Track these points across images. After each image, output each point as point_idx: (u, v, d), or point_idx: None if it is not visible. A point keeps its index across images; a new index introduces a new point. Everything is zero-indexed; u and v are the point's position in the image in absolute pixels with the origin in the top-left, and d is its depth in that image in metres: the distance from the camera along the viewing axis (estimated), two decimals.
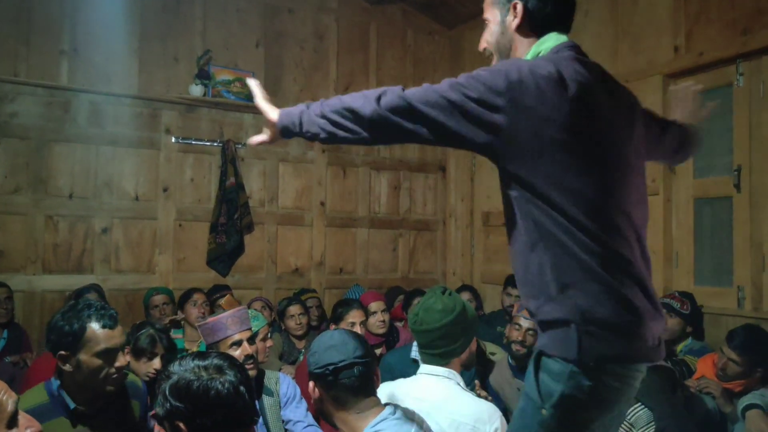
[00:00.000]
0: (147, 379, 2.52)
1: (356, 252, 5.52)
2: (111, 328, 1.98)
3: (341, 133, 1.51)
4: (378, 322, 3.83)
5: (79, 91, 4.48)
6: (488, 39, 1.71)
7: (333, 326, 3.44)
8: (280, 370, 3.52)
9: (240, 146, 4.98)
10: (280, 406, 2.61)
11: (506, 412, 2.56)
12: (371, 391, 1.78)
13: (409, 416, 1.79)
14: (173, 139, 4.79)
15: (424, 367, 2.19)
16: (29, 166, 4.34)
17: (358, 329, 3.35)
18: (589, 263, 1.38)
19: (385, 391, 2.08)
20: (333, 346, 1.76)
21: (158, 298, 4.16)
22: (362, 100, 1.48)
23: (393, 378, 2.34)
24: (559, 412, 1.39)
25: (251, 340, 2.44)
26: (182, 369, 1.57)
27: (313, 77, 5.38)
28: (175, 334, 3.67)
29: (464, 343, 2.20)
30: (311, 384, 1.79)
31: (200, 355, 1.65)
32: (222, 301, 4.02)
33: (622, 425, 2.09)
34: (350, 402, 1.73)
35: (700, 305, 3.50)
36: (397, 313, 4.55)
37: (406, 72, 5.75)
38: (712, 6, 3.63)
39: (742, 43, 3.47)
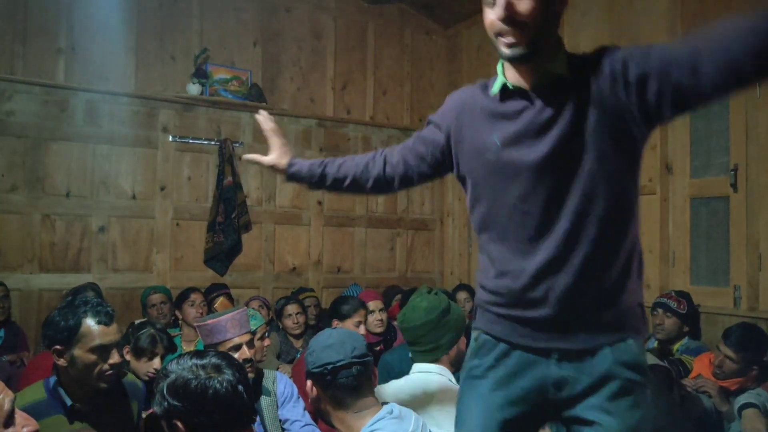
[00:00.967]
0: (147, 378, 2.52)
1: (354, 251, 5.52)
2: (106, 324, 1.98)
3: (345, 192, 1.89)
4: (376, 321, 3.84)
5: (76, 89, 4.47)
6: (524, 12, 1.38)
7: (336, 322, 3.43)
8: (277, 369, 3.52)
9: (237, 145, 4.98)
10: (277, 406, 2.60)
11: None
12: (369, 391, 1.79)
13: (406, 415, 1.80)
14: (170, 138, 4.78)
15: (416, 366, 2.25)
16: (26, 165, 4.33)
17: (362, 329, 3.38)
18: None
19: (379, 391, 2.10)
20: (331, 346, 1.77)
21: (156, 297, 4.15)
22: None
23: (392, 376, 2.36)
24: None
25: (250, 344, 2.43)
26: (180, 368, 1.56)
27: (311, 76, 5.38)
28: (173, 332, 3.67)
29: (450, 341, 2.26)
30: (309, 383, 1.79)
31: (198, 353, 1.65)
32: (216, 305, 4.03)
33: None
34: (348, 401, 1.74)
35: (697, 305, 3.51)
36: (394, 313, 4.55)
37: (403, 71, 5.75)
38: (709, 7, 3.64)
39: None
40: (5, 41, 4.28)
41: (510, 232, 1.49)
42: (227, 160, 4.87)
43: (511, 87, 1.47)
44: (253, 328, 2.59)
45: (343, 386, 1.73)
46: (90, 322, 1.96)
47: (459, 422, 1.58)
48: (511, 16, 1.35)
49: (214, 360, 1.59)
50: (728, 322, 3.22)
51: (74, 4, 4.46)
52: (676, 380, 2.78)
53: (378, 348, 3.77)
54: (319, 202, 5.38)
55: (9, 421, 1.33)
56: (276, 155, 1.89)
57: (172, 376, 1.54)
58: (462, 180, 1.62)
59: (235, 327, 2.36)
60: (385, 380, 2.40)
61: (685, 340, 3.42)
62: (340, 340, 1.78)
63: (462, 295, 4.65)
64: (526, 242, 1.46)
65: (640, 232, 1.52)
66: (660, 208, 3.90)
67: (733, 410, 2.71)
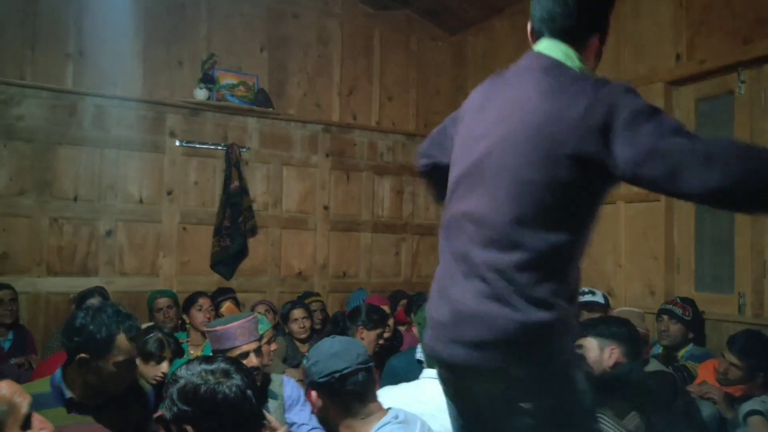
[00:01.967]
0: (154, 382, 2.53)
1: (359, 256, 5.54)
2: (135, 340, 2.00)
3: None
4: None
5: (85, 94, 4.51)
6: None
7: (362, 329, 3.36)
8: (283, 373, 3.54)
9: (244, 150, 5.02)
10: (284, 409, 2.62)
11: None
12: (374, 396, 1.81)
13: (412, 419, 1.81)
14: (177, 143, 4.82)
15: (426, 371, 2.23)
16: (34, 169, 4.37)
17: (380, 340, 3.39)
18: None
19: (388, 395, 2.10)
20: (336, 354, 1.78)
21: (162, 301, 4.16)
22: None
23: (398, 381, 2.36)
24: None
25: (258, 352, 2.42)
26: (189, 373, 1.59)
27: (317, 82, 5.41)
28: (180, 339, 3.68)
29: None
30: (313, 394, 1.80)
31: (207, 359, 1.67)
32: (222, 309, 4.04)
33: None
34: (356, 408, 1.75)
35: (702, 311, 3.51)
36: (400, 317, 4.57)
37: (409, 77, 5.77)
38: (714, 15, 3.65)
39: (743, 52, 3.48)
40: (15, 47, 4.32)
41: None
42: (234, 164, 4.90)
43: None
44: (260, 332, 2.60)
45: (351, 393, 1.75)
46: (122, 337, 1.96)
47: None
48: None
49: (223, 365, 1.61)
50: (733, 329, 3.23)
51: (83, 10, 4.51)
52: (681, 387, 2.79)
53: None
54: (325, 207, 5.40)
55: (26, 423, 1.35)
56: None
57: (182, 382, 1.57)
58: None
59: (244, 335, 2.35)
60: (392, 385, 2.40)
61: (690, 346, 3.42)
62: (344, 348, 1.80)
63: None
64: None
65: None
66: (665, 216, 3.90)
67: (738, 417, 2.71)
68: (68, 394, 1.98)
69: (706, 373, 3.07)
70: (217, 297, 4.35)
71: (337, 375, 1.74)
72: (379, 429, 1.74)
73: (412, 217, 5.80)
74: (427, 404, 2.07)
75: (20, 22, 4.33)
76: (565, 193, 1.36)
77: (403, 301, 4.89)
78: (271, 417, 2.17)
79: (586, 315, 3.28)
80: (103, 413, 2.03)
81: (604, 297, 3.64)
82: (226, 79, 4.95)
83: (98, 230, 4.57)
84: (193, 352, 3.71)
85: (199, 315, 3.90)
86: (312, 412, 2.64)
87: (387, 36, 5.71)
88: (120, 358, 1.95)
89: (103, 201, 4.59)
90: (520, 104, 1.44)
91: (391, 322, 3.87)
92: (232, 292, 4.57)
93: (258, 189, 5.13)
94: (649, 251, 3.95)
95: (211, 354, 2.38)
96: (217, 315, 3.97)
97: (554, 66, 1.47)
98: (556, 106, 1.38)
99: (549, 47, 1.52)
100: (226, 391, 1.53)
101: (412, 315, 4.17)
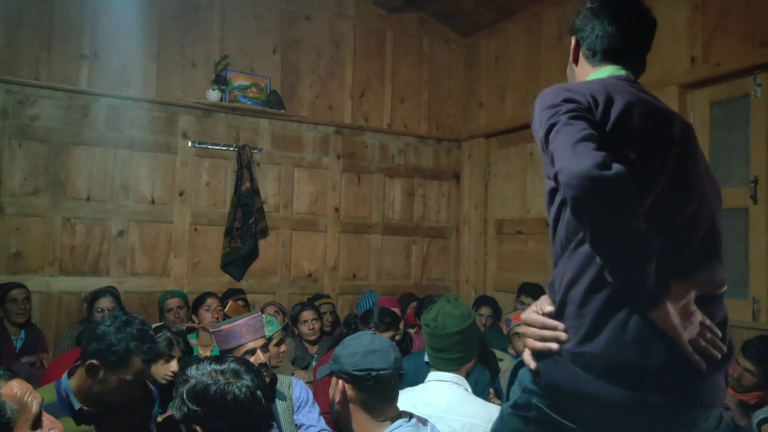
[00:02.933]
0: (164, 381, 2.53)
1: (369, 258, 5.53)
2: (151, 363, 2.01)
3: None
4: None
5: (98, 95, 4.54)
6: (567, 74, 1.73)
7: (374, 330, 3.36)
8: (292, 374, 3.53)
9: (256, 151, 5.03)
10: (293, 411, 2.62)
11: None
12: (396, 400, 1.81)
13: (423, 423, 1.80)
14: (190, 144, 4.84)
15: (432, 374, 2.24)
16: (48, 169, 4.40)
17: None
18: None
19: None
20: (375, 352, 1.77)
21: (173, 302, 4.18)
22: None
23: (407, 383, 2.36)
24: (514, 416, 1.42)
25: (265, 348, 2.44)
26: (200, 373, 1.59)
27: (329, 84, 5.41)
28: (190, 339, 3.69)
29: (476, 349, 2.27)
30: (341, 383, 1.79)
31: (217, 359, 1.67)
32: (226, 309, 4.04)
33: None
34: (378, 408, 1.75)
35: None
36: (410, 320, 4.56)
37: (421, 80, 5.76)
38: (730, 18, 3.62)
39: (760, 55, 3.45)
40: (31, 48, 4.36)
41: None
42: (245, 166, 4.91)
43: None
44: (269, 334, 2.60)
45: (379, 394, 1.76)
46: (137, 359, 1.96)
47: None
48: None
49: (233, 365, 1.61)
50: (747, 335, 3.19)
51: (97, 12, 4.54)
52: None
53: None
54: (336, 209, 5.40)
55: (36, 423, 1.36)
56: None
57: (192, 381, 1.57)
58: None
59: (249, 332, 2.37)
60: (401, 387, 2.40)
61: None
62: (384, 348, 1.79)
63: (485, 311, 4.60)
64: None
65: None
66: None
67: (752, 424, 2.68)
68: (77, 405, 1.99)
69: None
70: (228, 298, 4.36)
71: (373, 373, 1.74)
72: (391, 431, 1.73)
73: (423, 220, 5.79)
74: (435, 407, 2.07)
75: (36, 24, 4.37)
76: None
77: (413, 304, 4.88)
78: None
79: None
80: (108, 417, 2.03)
81: None
82: (239, 81, 4.97)
83: (110, 230, 4.60)
84: (202, 352, 3.73)
85: (207, 315, 3.91)
86: (322, 409, 2.65)
87: (399, 38, 5.71)
88: (128, 377, 1.95)
89: (116, 201, 4.61)
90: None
91: (401, 325, 3.86)
92: (243, 293, 4.58)
93: (269, 190, 5.14)
94: None
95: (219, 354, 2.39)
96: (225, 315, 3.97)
97: None
98: None
99: None
100: (236, 391, 1.53)
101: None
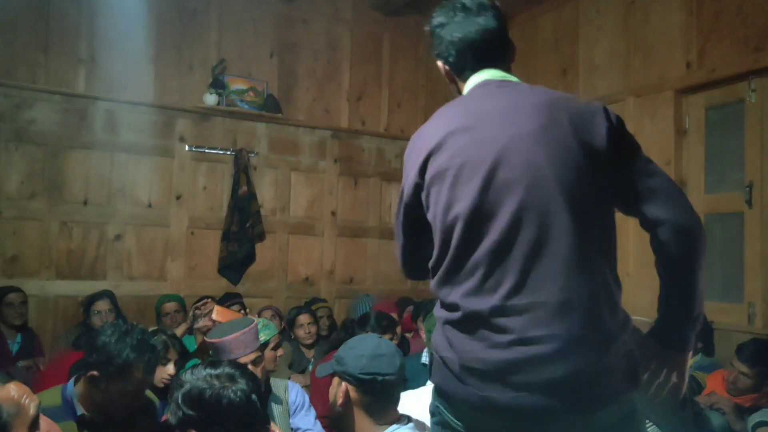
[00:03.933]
0: (162, 385, 2.54)
1: (366, 262, 5.53)
2: (150, 373, 2.01)
3: None
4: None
5: (96, 98, 4.55)
6: None
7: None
8: (289, 378, 3.54)
9: (253, 155, 5.03)
10: (288, 414, 2.62)
11: None
12: (398, 404, 1.82)
13: (421, 427, 1.81)
14: (187, 147, 4.84)
15: None
16: (45, 172, 4.40)
17: None
18: None
19: None
20: (382, 356, 1.78)
21: (170, 306, 4.19)
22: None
23: (405, 386, 2.36)
24: (432, 424, 1.51)
25: (257, 361, 2.36)
26: (194, 378, 1.59)
27: (326, 87, 5.42)
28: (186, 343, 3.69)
29: None
30: (344, 384, 1.79)
31: (212, 363, 1.68)
32: (214, 315, 3.94)
33: None
34: (380, 411, 1.77)
35: (711, 321, 3.48)
36: (406, 324, 4.55)
37: (418, 84, 5.78)
38: (725, 23, 3.64)
39: (754, 60, 3.47)
40: (28, 51, 4.36)
41: None
42: (242, 169, 4.91)
43: None
44: (266, 338, 2.59)
45: (383, 398, 1.78)
46: (137, 370, 1.96)
47: None
48: None
49: (228, 370, 1.62)
50: (742, 339, 3.20)
51: (95, 16, 4.54)
52: (689, 397, 2.77)
53: None
54: (333, 213, 5.41)
55: (34, 425, 1.36)
56: None
57: (187, 386, 1.57)
58: None
59: (239, 348, 2.29)
60: None
61: (698, 356, 3.39)
62: (390, 353, 1.80)
63: None
64: None
65: None
66: None
67: (747, 428, 2.69)
68: (80, 410, 1.99)
69: (714, 384, 3.04)
70: (225, 302, 4.35)
71: (380, 378, 1.74)
72: None
73: None
74: None
75: (33, 27, 4.37)
76: None
77: (410, 308, 4.88)
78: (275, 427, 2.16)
79: None
80: (109, 427, 2.03)
81: None
82: (236, 85, 4.98)
83: (107, 234, 4.59)
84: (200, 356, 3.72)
85: (205, 320, 3.90)
86: (319, 412, 2.65)
87: (396, 42, 5.72)
88: (129, 387, 1.95)
89: (113, 205, 4.62)
90: None
91: (399, 329, 3.86)
92: (240, 297, 4.58)
93: (266, 194, 5.14)
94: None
95: None
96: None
97: None
98: None
99: None
100: (231, 395, 1.54)
101: (420, 321, 4.16)
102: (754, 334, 3.29)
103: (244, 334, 2.32)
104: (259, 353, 2.40)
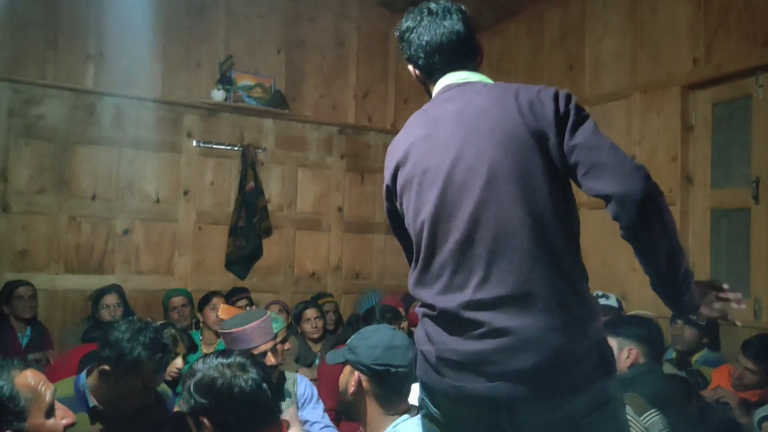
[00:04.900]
0: (170, 378, 2.56)
1: (373, 257, 5.56)
2: (161, 371, 2.01)
3: None
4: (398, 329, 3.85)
5: (104, 94, 4.57)
6: None
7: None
8: (296, 372, 3.55)
9: (260, 150, 5.06)
10: (297, 407, 2.64)
11: None
12: (408, 395, 1.85)
13: None
14: (194, 143, 4.87)
15: None
16: (54, 168, 4.43)
17: None
18: None
19: None
20: (396, 348, 1.79)
21: (177, 300, 4.21)
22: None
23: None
24: (421, 417, 1.59)
25: (274, 350, 2.42)
26: (206, 366, 1.61)
27: (333, 84, 5.44)
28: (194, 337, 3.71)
29: None
30: (357, 374, 1.80)
31: (224, 353, 1.70)
32: (219, 312, 3.98)
33: (637, 429, 2.10)
34: (391, 402, 1.79)
35: None
36: (413, 318, 4.57)
37: None
38: (732, 18, 3.63)
39: (762, 55, 3.46)
40: (37, 47, 4.39)
41: None
42: (250, 165, 4.94)
43: None
44: (274, 331, 2.62)
45: (395, 389, 1.79)
46: (149, 365, 1.96)
47: None
48: None
49: (239, 359, 1.64)
50: (748, 335, 3.20)
51: (104, 12, 4.57)
52: (695, 391, 2.78)
53: None
54: (339, 209, 5.43)
55: (50, 412, 1.38)
56: None
57: (199, 375, 1.59)
58: None
59: (260, 335, 2.35)
60: None
61: (704, 351, 3.40)
62: (404, 345, 1.82)
63: None
64: None
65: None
66: (680, 220, 3.88)
67: (753, 422, 2.69)
68: (92, 402, 2.00)
69: (720, 379, 3.05)
70: (232, 297, 4.39)
71: (393, 370, 1.76)
72: (396, 425, 1.76)
73: None
74: None
75: (42, 23, 4.40)
76: None
77: (415, 303, 4.89)
78: (292, 411, 2.18)
79: None
80: (122, 420, 2.04)
81: (618, 301, 3.63)
82: (243, 81, 5.00)
83: (115, 229, 4.63)
84: (206, 350, 3.75)
85: (212, 314, 3.92)
86: (327, 405, 2.67)
87: None
88: (139, 384, 1.96)
89: (121, 200, 4.65)
90: None
91: (405, 324, 3.88)
92: (246, 291, 4.60)
93: (273, 190, 5.17)
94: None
95: None
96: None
97: None
98: None
99: None
100: (242, 384, 1.56)
101: None
102: (761, 330, 3.30)
103: (263, 321, 2.39)
104: (275, 342, 2.46)
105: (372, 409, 1.79)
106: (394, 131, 5.61)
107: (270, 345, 2.39)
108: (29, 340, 3.92)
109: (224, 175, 4.99)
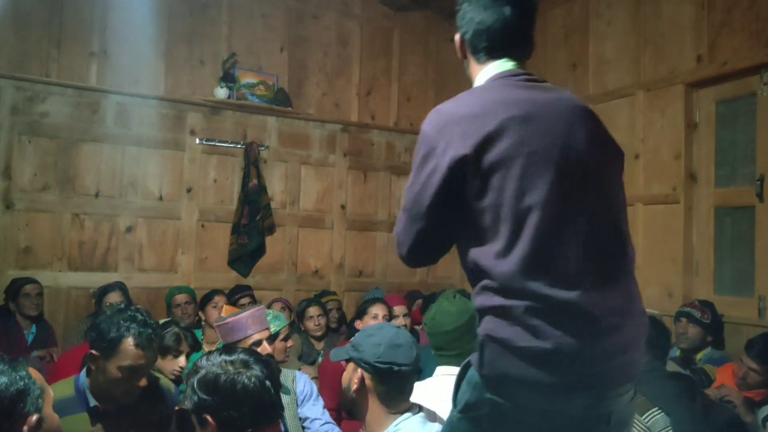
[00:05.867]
0: (173, 377, 2.55)
1: (376, 255, 5.56)
2: (144, 348, 1.98)
3: None
4: (400, 325, 3.85)
5: (108, 92, 4.58)
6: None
7: (358, 323, 3.45)
8: (299, 370, 3.56)
9: (263, 148, 5.06)
10: (297, 404, 2.63)
11: None
12: (411, 394, 1.84)
13: (431, 416, 1.83)
14: (197, 141, 4.87)
15: (441, 368, 2.24)
16: (57, 165, 4.44)
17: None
18: None
19: None
20: (400, 347, 1.79)
21: (180, 297, 4.21)
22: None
23: (420, 377, 2.38)
24: (464, 419, 1.44)
25: (270, 340, 2.46)
26: (210, 363, 1.61)
27: (336, 82, 5.44)
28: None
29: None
30: (360, 372, 1.80)
31: (227, 350, 1.70)
32: (222, 312, 4.01)
33: (638, 428, 2.10)
34: (394, 400, 1.78)
35: (721, 314, 3.48)
36: (415, 317, 4.57)
37: (428, 78, 5.78)
38: (736, 16, 3.62)
39: (766, 54, 3.46)
40: (41, 45, 4.39)
41: None
42: (253, 163, 4.94)
43: None
44: (276, 329, 2.62)
45: (398, 387, 1.79)
46: (129, 342, 1.95)
47: None
48: None
49: (242, 356, 1.64)
50: (752, 333, 3.20)
51: (107, 10, 4.57)
52: (699, 390, 2.77)
53: None
54: (342, 206, 5.42)
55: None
56: None
57: (202, 372, 1.59)
58: None
59: (255, 324, 2.39)
60: None
61: (708, 350, 3.40)
62: (407, 343, 1.81)
63: None
64: None
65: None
66: (684, 218, 3.88)
67: (758, 421, 2.69)
68: (92, 402, 2.00)
69: (724, 377, 3.05)
70: (235, 294, 4.39)
71: (396, 368, 1.75)
72: (398, 423, 1.76)
73: None
74: (444, 400, 2.07)
75: (46, 21, 4.41)
76: None
77: (419, 301, 4.90)
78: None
79: None
80: (123, 418, 2.04)
81: None
82: (247, 78, 5.00)
83: (118, 226, 4.63)
84: (207, 349, 3.75)
85: (214, 312, 3.92)
86: (327, 404, 2.66)
87: (406, 37, 5.73)
88: (124, 363, 1.94)
89: (124, 197, 4.65)
90: None
91: (408, 321, 3.89)
92: (250, 289, 4.60)
93: (276, 187, 5.17)
94: (667, 253, 3.93)
95: None
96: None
97: None
98: None
99: None
100: (246, 381, 1.56)
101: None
102: (765, 328, 3.30)
103: (258, 311, 2.44)
104: (271, 333, 2.48)
105: (374, 407, 1.79)
106: (397, 129, 5.62)
107: (265, 334, 2.42)
108: (34, 338, 3.93)
109: (227, 173, 4.99)
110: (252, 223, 4.90)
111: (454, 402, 1.47)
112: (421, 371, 1.86)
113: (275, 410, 1.60)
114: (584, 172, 1.41)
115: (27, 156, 4.35)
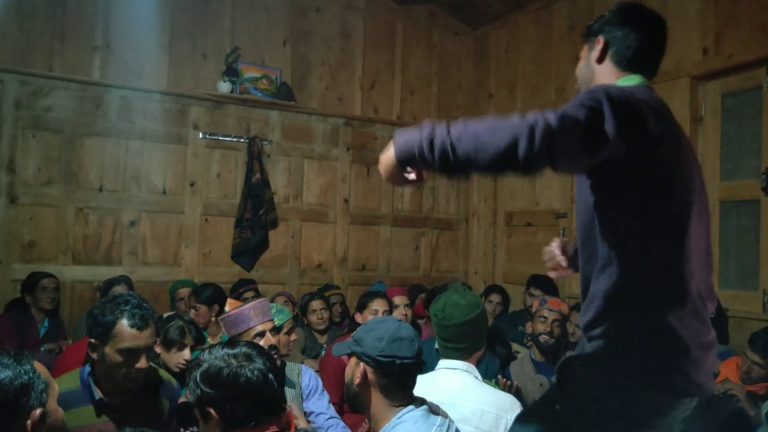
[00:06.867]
0: (177, 370, 2.56)
1: (379, 249, 5.55)
2: (139, 329, 1.98)
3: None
4: (400, 315, 3.84)
5: (111, 86, 4.58)
6: (576, 73, 1.76)
7: (358, 315, 3.46)
8: (302, 363, 3.56)
9: (266, 142, 5.05)
10: (302, 398, 2.64)
11: None
12: (413, 387, 1.84)
13: (434, 409, 1.82)
14: (201, 135, 4.87)
15: (443, 362, 2.25)
16: (61, 159, 4.45)
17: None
18: None
19: None
20: (401, 340, 1.79)
21: (183, 291, 4.22)
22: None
23: (423, 370, 2.38)
24: None
25: (274, 331, 2.46)
26: (212, 357, 1.61)
27: (339, 75, 5.42)
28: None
29: (484, 338, 2.28)
30: (362, 366, 1.80)
31: (230, 343, 1.70)
32: (226, 307, 4.01)
33: None
34: (396, 394, 1.78)
35: (725, 308, 3.47)
36: (418, 311, 4.57)
37: (431, 71, 5.76)
38: (742, 9, 3.60)
39: None
40: (45, 39, 4.39)
41: None
42: (256, 157, 4.94)
43: None
44: (280, 323, 2.62)
45: (400, 381, 1.78)
46: (124, 323, 1.97)
47: None
48: None
49: (245, 349, 1.64)
50: (756, 327, 3.19)
51: (110, 4, 4.57)
52: None
53: None
54: (346, 201, 5.42)
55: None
56: None
57: (205, 365, 1.59)
58: None
59: (258, 315, 2.40)
60: None
61: None
62: (409, 337, 1.81)
63: (495, 298, 4.62)
64: None
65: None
66: None
67: (761, 415, 2.68)
68: (97, 394, 2.00)
69: (728, 371, 3.04)
70: (238, 288, 4.39)
71: (398, 362, 1.75)
72: (401, 416, 1.76)
73: (432, 212, 5.81)
74: (446, 393, 2.08)
75: (49, 16, 4.40)
76: None
77: (422, 295, 4.90)
78: (294, 408, 2.19)
79: None
80: (128, 411, 2.04)
81: None
82: (250, 73, 4.99)
83: (122, 220, 4.64)
84: (211, 341, 3.76)
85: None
86: (332, 398, 2.67)
87: (409, 30, 5.71)
88: (122, 345, 1.95)
89: (128, 192, 4.66)
90: None
91: (409, 313, 3.89)
92: (253, 283, 4.61)
93: (279, 181, 5.16)
94: None
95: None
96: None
97: None
98: None
99: None
100: (248, 374, 1.56)
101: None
102: None
103: (260, 303, 2.45)
104: (274, 324, 2.48)
105: (377, 400, 1.79)
106: (400, 123, 5.60)
107: (269, 325, 2.42)
108: (46, 331, 3.96)
109: (230, 167, 4.99)
110: (255, 218, 4.90)
111: None
112: (424, 364, 1.85)
113: (278, 403, 1.60)
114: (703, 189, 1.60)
115: (31, 150, 4.36)
